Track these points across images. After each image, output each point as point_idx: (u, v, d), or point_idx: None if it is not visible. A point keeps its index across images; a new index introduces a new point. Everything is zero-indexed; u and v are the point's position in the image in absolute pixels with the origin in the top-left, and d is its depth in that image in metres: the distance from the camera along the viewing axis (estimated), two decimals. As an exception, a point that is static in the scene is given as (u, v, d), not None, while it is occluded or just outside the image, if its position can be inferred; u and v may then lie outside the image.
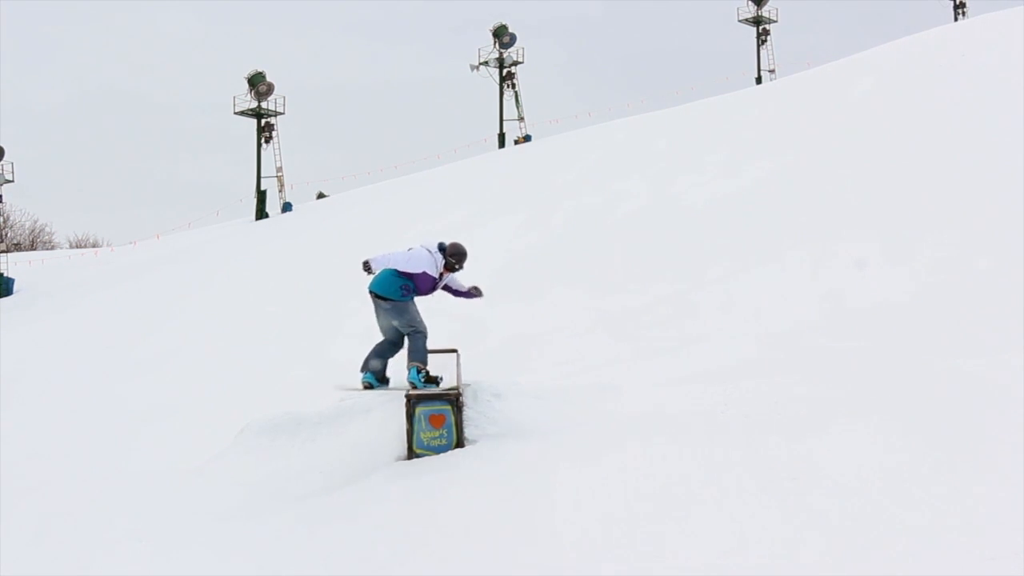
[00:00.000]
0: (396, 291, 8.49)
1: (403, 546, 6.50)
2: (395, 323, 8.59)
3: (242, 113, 47.03)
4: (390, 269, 8.49)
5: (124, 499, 9.36)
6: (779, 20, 55.02)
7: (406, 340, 8.66)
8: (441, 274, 8.71)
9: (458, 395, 8.80)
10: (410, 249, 8.68)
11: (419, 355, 8.53)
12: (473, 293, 9.04)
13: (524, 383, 10.23)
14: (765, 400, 8.19)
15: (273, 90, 46.57)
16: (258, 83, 46.21)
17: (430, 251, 8.61)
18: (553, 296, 18.74)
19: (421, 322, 8.59)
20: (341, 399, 10.36)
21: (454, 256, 8.71)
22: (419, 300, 8.77)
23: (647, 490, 6.39)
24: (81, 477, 11.80)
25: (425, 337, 8.57)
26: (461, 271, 8.88)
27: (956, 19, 51.92)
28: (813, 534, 5.27)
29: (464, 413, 8.88)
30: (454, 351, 9.49)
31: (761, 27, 54.67)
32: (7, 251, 42.65)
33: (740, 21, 55.07)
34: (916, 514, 5.31)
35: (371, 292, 8.62)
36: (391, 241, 27.55)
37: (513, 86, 51.15)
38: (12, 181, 41.76)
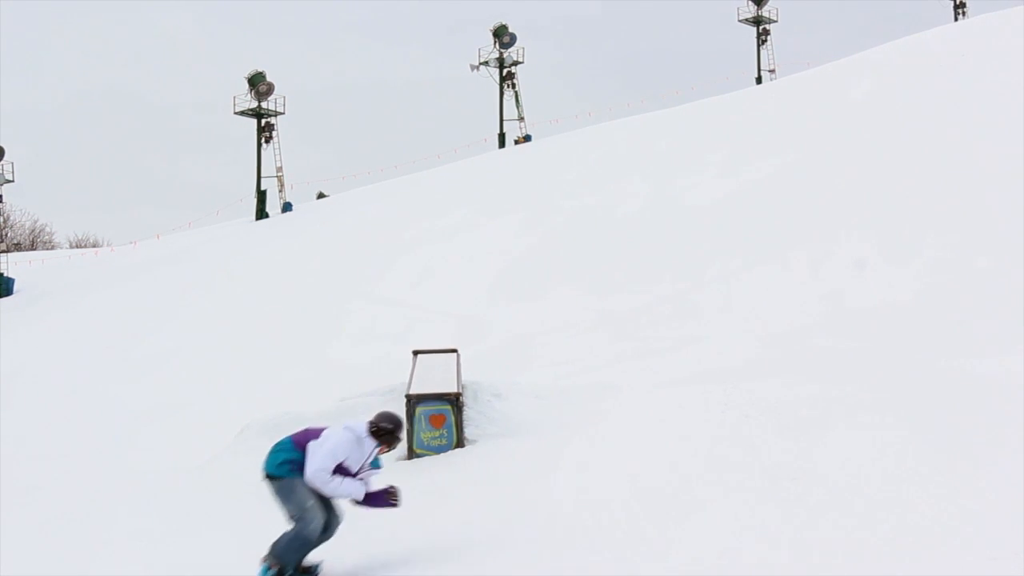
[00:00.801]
0: (278, 466, 6.24)
1: (403, 545, 6.50)
2: (284, 508, 6.25)
3: (242, 113, 46.99)
4: (286, 438, 6.39)
5: (124, 499, 9.37)
6: (779, 20, 54.95)
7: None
8: (364, 463, 6.37)
9: (458, 395, 8.81)
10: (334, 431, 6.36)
11: (286, 552, 6.18)
12: (389, 500, 6.31)
13: (524, 383, 10.24)
14: (765, 400, 8.19)
15: (273, 90, 46.52)
16: (258, 83, 46.17)
17: (358, 436, 6.26)
18: (554, 296, 18.74)
19: (312, 512, 6.19)
20: (341, 399, 10.38)
21: (391, 424, 6.29)
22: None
23: (647, 490, 6.39)
24: (81, 477, 11.81)
25: (312, 537, 6.23)
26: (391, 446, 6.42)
27: (956, 19, 51.85)
28: (813, 534, 5.27)
29: (464, 413, 8.89)
30: (454, 351, 9.50)
31: (761, 27, 54.60)
32: (7, 251, 42.62)
33: (740, 21, 55.01)
34: (916, 514, 5.31)
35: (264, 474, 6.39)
36: (391, 241, 27.62)
37: (513, 86, 51.07)
38: (12, 181, 41.73)
